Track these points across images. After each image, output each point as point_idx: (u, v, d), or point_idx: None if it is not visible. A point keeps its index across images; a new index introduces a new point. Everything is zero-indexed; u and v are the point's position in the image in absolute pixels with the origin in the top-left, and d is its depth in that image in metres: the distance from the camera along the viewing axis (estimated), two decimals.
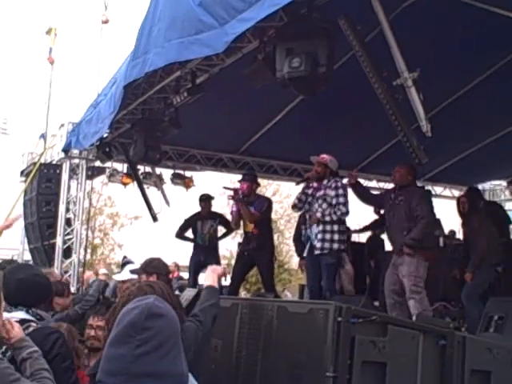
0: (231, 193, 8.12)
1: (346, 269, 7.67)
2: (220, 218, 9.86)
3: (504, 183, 12.48)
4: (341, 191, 7.08)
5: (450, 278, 7.74)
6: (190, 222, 9.74)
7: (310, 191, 7.26)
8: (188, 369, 1.93)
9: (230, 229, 9.87)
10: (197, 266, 9.36)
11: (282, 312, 3.26)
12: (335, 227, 7.06)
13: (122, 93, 6.65)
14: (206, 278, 3.51)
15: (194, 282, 9.28)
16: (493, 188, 12.79)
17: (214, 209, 9.88)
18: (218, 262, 9.21)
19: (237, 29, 4.76)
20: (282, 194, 23.92)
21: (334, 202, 7.03)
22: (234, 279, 8.05)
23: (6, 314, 3.15)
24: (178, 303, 2.77)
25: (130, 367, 1.76)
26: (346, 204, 7.10)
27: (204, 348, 3.08)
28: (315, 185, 7.30)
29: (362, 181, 11.92)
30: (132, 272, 6.42)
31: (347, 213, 7.12)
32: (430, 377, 3.27)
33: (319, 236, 7.06)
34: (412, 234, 6.23)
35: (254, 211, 7.98)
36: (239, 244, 8.53)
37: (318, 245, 7.05)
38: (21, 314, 3.17)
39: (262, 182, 22.83)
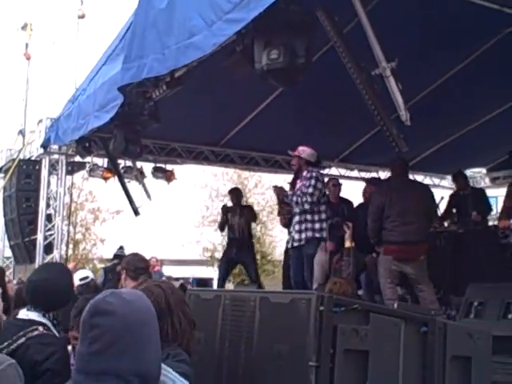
0: None
1: (317, 258, 7.18)
2: None
3: (484, 171, 12.65)
4: (312, 182, 7.01)
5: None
6: None
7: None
8: (160, 363, 1.86)
9: None
10: None
11: (265, 303, 3.26)
12: (316, 217, 7.03)
13: (121, 97, 6.59)
14: None
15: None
16: (473, 175, 12.91)
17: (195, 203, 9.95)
18: None
19: (225, 30, 4.77)
20: (264, 185, 23.97)
21: (304, 190, 7.00)
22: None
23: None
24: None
25: (88, 365, 1.73)
26: (312, 195, 6.98)
27: None
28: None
29: (343, 171, 12.05)
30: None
31: (311, 203, 6.99)
32: (412, 363, 3.29)
33: (296, 227, 7.06)
34: None
35: None
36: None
37: (297, 236, 7.04)
38: (33, 316, 3.03)
39: (244, 173, 22.96)
